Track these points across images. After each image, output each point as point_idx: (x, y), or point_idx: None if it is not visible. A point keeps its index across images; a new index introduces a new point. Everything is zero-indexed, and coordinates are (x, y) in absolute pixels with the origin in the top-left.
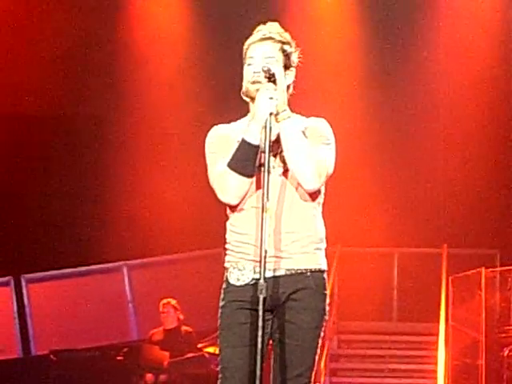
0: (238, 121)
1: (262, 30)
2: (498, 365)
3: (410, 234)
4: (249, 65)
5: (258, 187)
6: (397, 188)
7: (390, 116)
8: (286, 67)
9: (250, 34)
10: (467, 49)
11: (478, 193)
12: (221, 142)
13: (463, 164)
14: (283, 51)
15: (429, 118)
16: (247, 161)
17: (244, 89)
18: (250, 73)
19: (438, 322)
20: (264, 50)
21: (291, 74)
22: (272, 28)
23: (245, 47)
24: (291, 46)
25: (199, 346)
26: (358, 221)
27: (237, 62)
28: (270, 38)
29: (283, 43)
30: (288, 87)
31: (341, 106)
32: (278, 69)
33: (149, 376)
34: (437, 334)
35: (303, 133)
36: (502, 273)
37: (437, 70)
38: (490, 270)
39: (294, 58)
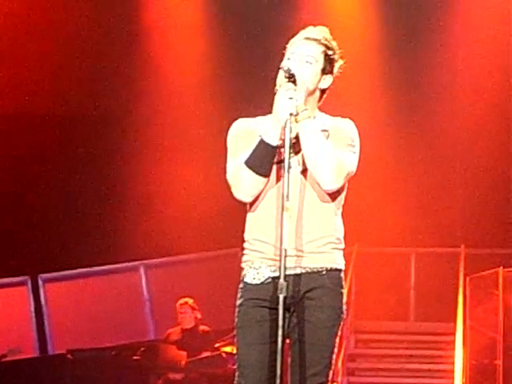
0: (263, 116)
1: (308, 31)
2: None
3: (427, 233)
4: (288, 59)
5: (277, 185)
6: (414, 188)
7: (406, 116)
8: (325, 72)
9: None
10: (486, 42)
11: (495, 192)
12: (243, 136)
13: (481, 164)
14: (326, 55)
15: (446, 118)
16: (264, 160)
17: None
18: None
19: (456, 321)
20: (306, 49)
21: (329, 79)
22: (320, 31)
23: (288, 45)
24: (335, 53)
25: (216, 345)
26: (375, 221)
27: (257, 54)
28: (315, 40)
29: (327, 48)
30: (323, 92)
31: (359, 106)
32: (308, 70)
33: (166, 376)
34: (454, 334)
35: (326, 132)
36: None
37: (455, 67)
38: (508, 269)
39: (336, 66)
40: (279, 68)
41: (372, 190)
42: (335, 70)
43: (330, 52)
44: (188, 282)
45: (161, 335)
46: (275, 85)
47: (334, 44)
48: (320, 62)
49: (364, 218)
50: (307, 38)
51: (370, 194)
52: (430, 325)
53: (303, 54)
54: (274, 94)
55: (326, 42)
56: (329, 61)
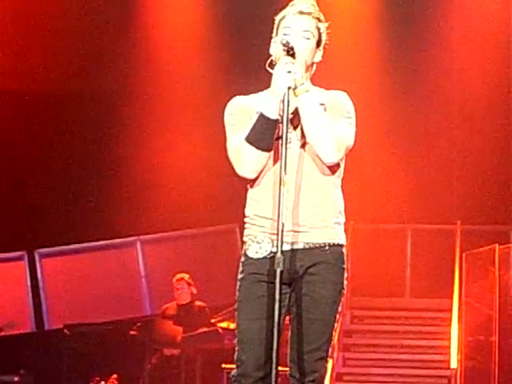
0: (260, 93)
1: (299, 4)
2: (511, 341)
3: (423, 210)
4: (284, 34)
5: (277, 161)
6: (410, 164)
7: (403, 93)
8: (318, 45)
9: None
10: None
11: (492, 169)
12: (241, 113)
13: (477, 141)
14: (318, 28)
15: (443, 95)
16: (265, 134)
17: (274, 58)
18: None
19: (452, 298)
20: (303, 23)
21: (320, 52)
22: (310, 4)
23: (278, 18)
24: (324, 26)
25: (212, 320)
26: (372, 197)
27: (253, 34)
28: (309, 14)
29: (319, 21)
30: (312, 65)
31: (356, 83)
32: (307, 45)
33: (162, 351)
34: (450, 311)
35: (323, 106)
36: None
37: (451, 44)
38: (504, 246)
39: (324, 38)
40: (272, 41)
41: (368, 166)
42: (323, 42)
43: (320, 25)
44: (184, 257)
45: (157, 310)
46: (268, 58)
47: (322, 16)
48: (316, 36)
49: (360, 195)
50: (301, 12)
51: (367, 170)
52: (426, 301)
53: (300, 29)
54: (269, 67)
55: (318, 16)
56: (320, 34)
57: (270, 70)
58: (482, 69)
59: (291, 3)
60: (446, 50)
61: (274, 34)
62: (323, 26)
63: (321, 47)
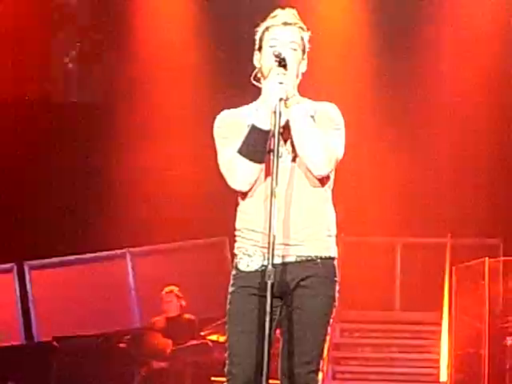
0: (247, 105)
1: (282, 15)
2: (500, 354)
3: (413, 223)
4: (271, 46)
5: (268, 174)
6: (400, 178)
7: (393, 105)
8: (303, 55)
9: (259, 15)
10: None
11: (481, 183)
12: (230, 127)
13: (467, 154)
14: (302, 38)
15: (432, 105)
16: (257, 146)
17: (263, 70)
18: (272, 55)
19: (441, 311)
20: (288, 34)
21: (305, 62)
22: (293, 14)
23: (261, 30)
24: (307, 35)
25: (202, 333)
26: (361, 210)
27: (244, 45)
28: (294, 24)
29: (302, 30)
30: (298, 75)
31: (346, 93)
32: (295, 56)
33: (151, 363)
34: (440, 324)
35: (312, 117)
36: (505, 263)
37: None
38: (494, 259)
39: (307, 47)
40: (258, 50)
41: (358, 179)
42: (307, 51)
43: (304, 34)
44: (174, 270)
45: (146, 323)
46: (253, 69)
47: (304, 26)
48: (301, 46)
49: (350, 208)
50: (286, 24)
51: (357, 183)
52: (416, 314)
53: (287, 40)
54: (254, 78)
55: (301, 25)
56: (304, 44)
57: (255, 83)
58: (481, 83)
59: (272, 14)
60: (436, 55)
61: (256, 46)
62: (306, 35)
63: (305, 56)
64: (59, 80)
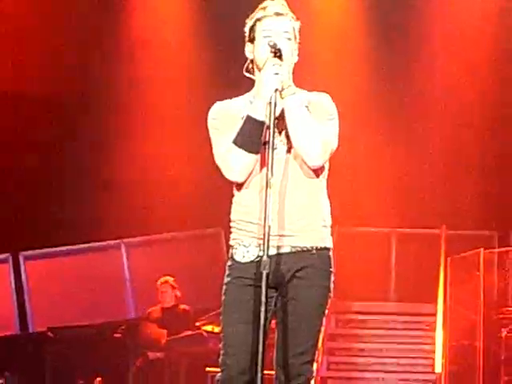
0: (241, 96)
1: (273, 6)
2: (495, 346)
3: (408, 214)
4: (265, 37)
5: (263, 165)
6: (395, 168)
7: (387, 97)
8: (296, 45)
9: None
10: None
11: (476, 174)
12: (224, 118)
13: (462, 145)
14: (293, 28)
15: (426, 99)
16: (253, 137)
17: (257, 61)
18: (267, 45)
19: (436, 302)
20: (281, 24)
21: (296, 52)
22: (283, 5)
23: (252, 21)
24: (297, 24)
25: (197, 324)
26: (356, 201)
27: (239, 40)
28: (286, 14)
29: (294, 20)
30: (291, 65)
31: (343, 85)
32: (289, 45)
33: (146, 354)
34: (435, 315)
35: (307, 108)
36: (500, 254)
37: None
38: (489, 251)
39: (298, 37)
40: (249, 41)
41: (352, 170)
42: (297, 41)
43: (295, 24)
44: (169, 260)
45: (141, 314)
46: (245, 61)
47: (294, 16)
48: (293, 37)
49: (345, 199)
50: (278, 14)
51: (351, 174)
52: (411, 305)
53: (280, 30)
54: (247, 69)
55: (292, 15)
56: (295, 34)
57: (247, 75)
58: (475, 77)
59: (261, 5)
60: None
61: (247, 38)
62: (297, 25)
63: (296, 46)
64: (57, 80)
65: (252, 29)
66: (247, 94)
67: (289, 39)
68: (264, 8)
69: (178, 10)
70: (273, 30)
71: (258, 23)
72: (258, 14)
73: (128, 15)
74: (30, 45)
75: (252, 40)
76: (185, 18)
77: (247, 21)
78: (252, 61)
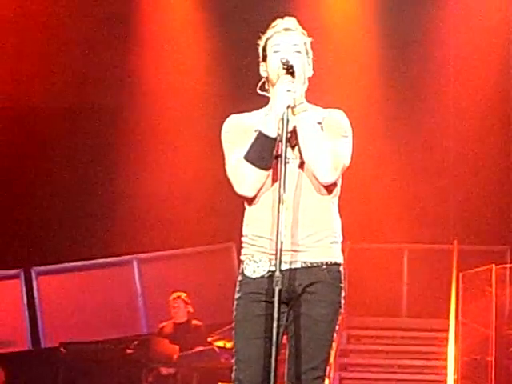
0: (255, 111)
1: (282, 23)
2: (507, 361)
3: (420, 230)
4: (275, 52)
5: (275, 180)
6: (407, 184)
7: (400, 110)
8: (308, 61)
9: (263, 21)
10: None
11: (488, 189)
12: (238, 132)
13: (474, 160)
14: (305, 43)
15: (439, 113)
16: (264, 153)
17: (271, 77)
18: (278, 60)
19: (448, 318)
20: (291, 39)
21: (310, 67)
22: (293, 21)
23: (263, 41)
24: (309, 40)
25: (209, 339)
26: (368, 217)
27: (252, 54)
28: (296, 30)
29: (304, 35)
30: (305, 80)
31: (354, 99)
32: (300, 60)
33: (158, 369)
34: (447, 330)
35: (320, 124)
36: None
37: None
38: (501, 266)
39: (311, 52)
40: (262, 60)
41: (365, 186)
42: (311, 57)
43: (306, 40)
44: (181, 276)
45: (153, 329)
46: (258, 78)
47: (305, 32)
48: (304, 52)
49: (357, 215)
50: (287, 29)
51: (364, 190)
52: (423, 321)
53: (289, 43)
54: (261, 88)
55: (303, 31)
56: (307, 49)
57: (261, 93)
58: (482, 88)
59: (273, 24)
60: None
61: (261, 57)
62: (308, 41)
63: (310, 61)
64: (62, 82)
65: (264, 48)
66: (263, 108)
67: (299, 52)
68: (274, 26)
69: (192, 12)
70: (281, 45)
71: (268, 41)
72: (268, 32)
73: (139, 24)
74: (30, 46)
75: (264, 58)
76: (197, 22)
77: (259, 41)
78: (267, 78)
